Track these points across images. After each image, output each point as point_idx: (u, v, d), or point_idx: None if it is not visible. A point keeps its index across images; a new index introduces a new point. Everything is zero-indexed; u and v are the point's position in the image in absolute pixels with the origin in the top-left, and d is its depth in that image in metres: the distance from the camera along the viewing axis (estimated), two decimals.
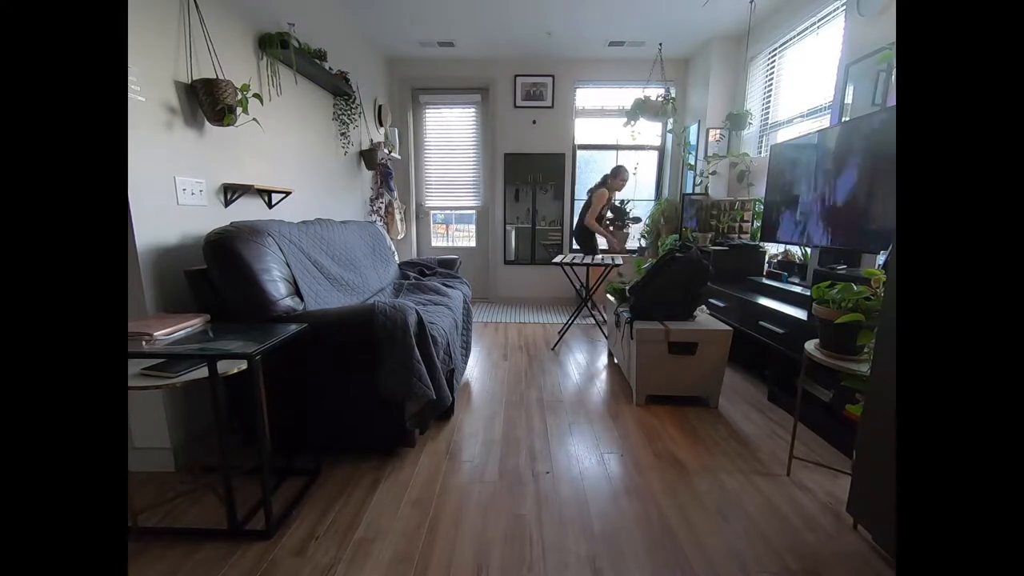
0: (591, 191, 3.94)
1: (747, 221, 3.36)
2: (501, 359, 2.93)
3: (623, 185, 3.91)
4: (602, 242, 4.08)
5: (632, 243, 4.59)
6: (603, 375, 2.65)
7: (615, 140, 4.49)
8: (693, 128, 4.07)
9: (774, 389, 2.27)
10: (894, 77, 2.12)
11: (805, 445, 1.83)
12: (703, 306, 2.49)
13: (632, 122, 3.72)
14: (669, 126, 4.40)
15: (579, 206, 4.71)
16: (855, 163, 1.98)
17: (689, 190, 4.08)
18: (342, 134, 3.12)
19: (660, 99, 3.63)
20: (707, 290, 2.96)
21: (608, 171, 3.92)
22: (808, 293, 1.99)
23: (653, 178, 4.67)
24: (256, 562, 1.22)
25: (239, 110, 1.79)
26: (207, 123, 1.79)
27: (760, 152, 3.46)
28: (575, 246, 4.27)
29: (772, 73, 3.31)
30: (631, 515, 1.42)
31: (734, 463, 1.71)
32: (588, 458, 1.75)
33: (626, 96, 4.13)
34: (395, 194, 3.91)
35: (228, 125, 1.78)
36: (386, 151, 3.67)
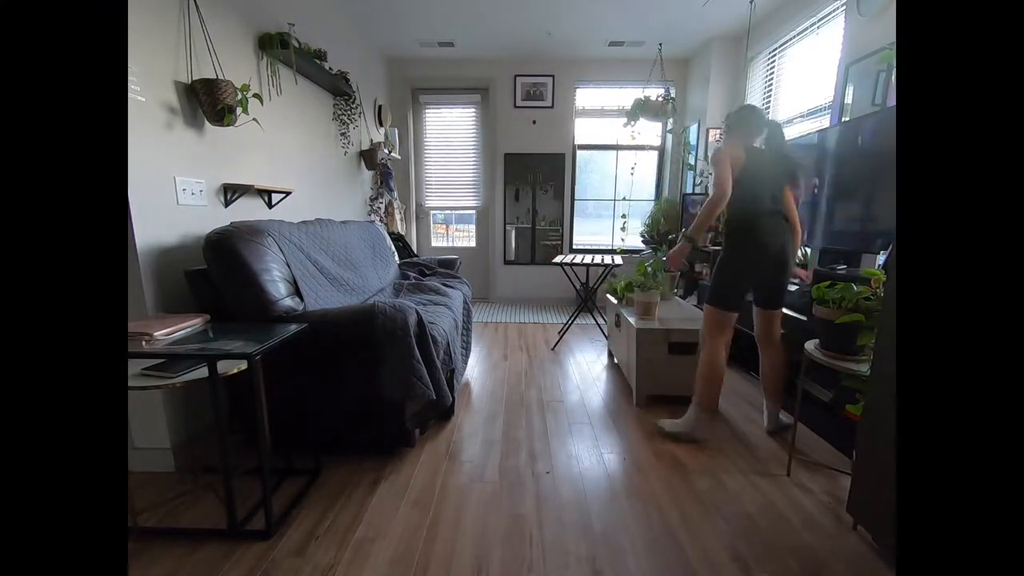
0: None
1: None
2: (501, 359, 2.93)
3: None
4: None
5: (633, 243, 4.60)
6: (603, 375, 2.65)
7: (615, 140, 4.49)
8: (693, 128, 4.07)
9: None
10: (894, 77, 2.12)
11: (805, 445, 1.83)
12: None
13: (632, 122, 3.71)
14: (669, 126, 4.40)
15: (580, 207, 4.71)
16: (855, 163, 1.98)
17: (689, 190, 4.08)
18: (342, 134, 3.12)
19: (660, 99, 3.63)
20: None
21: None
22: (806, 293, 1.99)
23: (653, 178, 4.67)
24: (256, 562, 1.22)
25: (239, 110, 1.78)
26: (207, 123, 1.79)
27: None
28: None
29: (772, 73, 3.30)
30: (631, 515, 1.42)
31: (734, 463, 1.71)
32: (588, 458, 1.75)
33: (626, 96, 4.13)
34: (395, 194, 3.91)
35: (228, 125, 1.78)
36: (386, 151, 3.67)
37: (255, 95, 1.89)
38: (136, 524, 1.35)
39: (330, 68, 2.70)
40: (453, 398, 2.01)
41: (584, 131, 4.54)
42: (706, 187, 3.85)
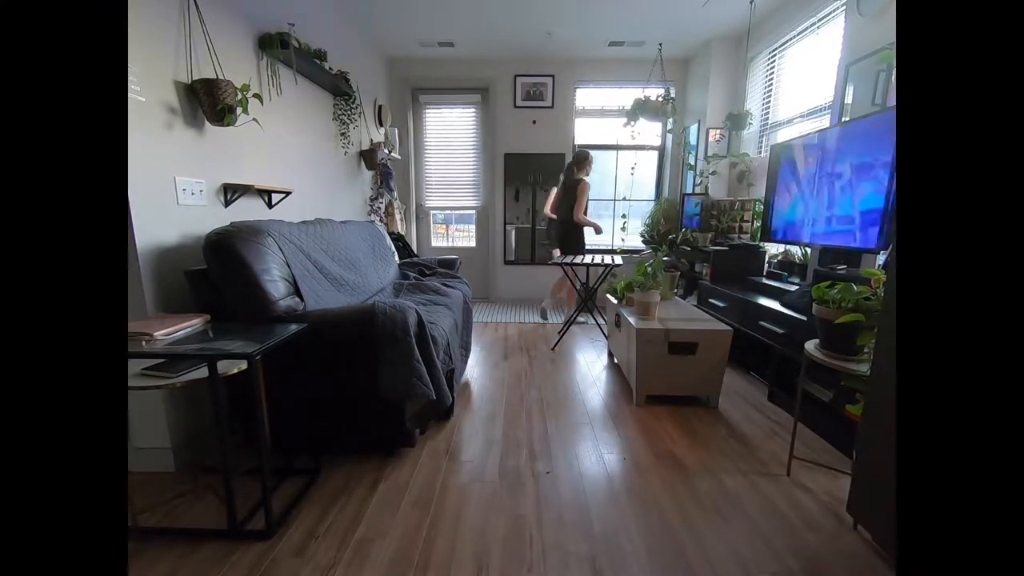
0: (570, 184, 3.58)
1: (747, 221, 3.36)
2: (501, 359, 2.93)
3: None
4: (588, 234, 3.75)
5: (633, 243, 4.60)
6: (603, 375, 2.65)
7: (615, 140, 4.49)
8: (693, 128, 4.07)
9: (774, 389, 2.27)
10: (894, 77, 2.12)
11: (805, 445, 1.83)
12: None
13: (632, 122, 3.71)
14: (669, 126, 4.40)
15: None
16: (854, 163, 1.98)
17: (689, 190, 4.08)
18: (342, 134, 3.12)
19: (660, 99, 3.63)
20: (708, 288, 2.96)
21: (576, 159, 3.58)
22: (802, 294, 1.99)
23: (653, 178, 4.67)
24: (256, 562, 1.22)
25: (239, 110, 1.79)
26: (207, 123, 1.79)
27: (760, 152, 3.46)
28: (555, 252, 3.76)
29: (772, 73, 3.30)
30: (631, 515, 1.42)
31: (734, 463, 1.71)
32: (588, 458, 1.75)
33: (626, 96, 4.13)
34: (395, 194, 3.91)
35: (228, 125, 1.78)
36: (386, 151, 3.67)
37: (255, 95, 1.89)
38: (136, 524, 1.35)
39: (330, 68, 2.70)
40: (453, 398, 2.01)
41: (584, 131, 4.54)
42: (706, 187, 3.85)
